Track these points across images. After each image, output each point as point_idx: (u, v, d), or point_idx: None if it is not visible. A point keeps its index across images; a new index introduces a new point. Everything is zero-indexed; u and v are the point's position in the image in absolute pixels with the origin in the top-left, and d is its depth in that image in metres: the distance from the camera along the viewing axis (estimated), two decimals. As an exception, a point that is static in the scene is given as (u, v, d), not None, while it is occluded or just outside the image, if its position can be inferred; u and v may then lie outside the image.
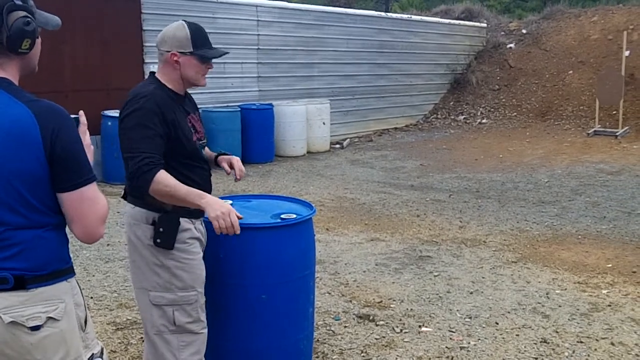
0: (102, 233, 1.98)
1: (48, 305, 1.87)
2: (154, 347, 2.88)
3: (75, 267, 2.02)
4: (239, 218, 2.67)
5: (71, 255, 2.02)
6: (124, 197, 2.86)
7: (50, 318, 1.87)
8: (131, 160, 2.62)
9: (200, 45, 2.84)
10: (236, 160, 3.12)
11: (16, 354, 1.85)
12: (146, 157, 2.61)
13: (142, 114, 2.68)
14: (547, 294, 4.84)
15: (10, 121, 1.82)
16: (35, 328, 1.84)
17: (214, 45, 3.00)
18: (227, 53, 3.06)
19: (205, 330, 2.94)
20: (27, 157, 1.82)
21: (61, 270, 1.94)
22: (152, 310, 2.83)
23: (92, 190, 1.92)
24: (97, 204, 1.93)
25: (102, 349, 2.06)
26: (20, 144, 1.81)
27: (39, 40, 1.97)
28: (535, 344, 4.01)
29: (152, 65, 2.69)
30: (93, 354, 2.00)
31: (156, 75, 2.87)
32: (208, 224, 2.82)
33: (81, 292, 2.03)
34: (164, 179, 2.60)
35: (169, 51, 2.81)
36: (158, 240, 2.75)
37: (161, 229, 2.75)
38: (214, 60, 2.95)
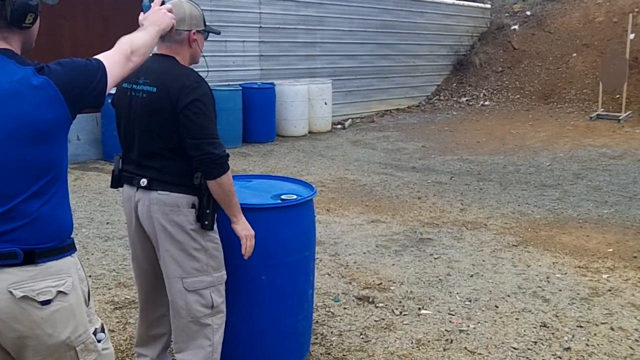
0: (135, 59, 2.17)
1: (57, 279, 1.88)
2: (188, 333, 2.90)
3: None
4: None
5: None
6: (149, 185, 2.76)
7: (60, 292, 1.87)
8: (214, 147, 2.67)
9: (205, 22, 2.89)
10: None
11: (26, 329, 1.85)
12: (224, 148, 2.71)
13: (210, 99, 2.73)
14: (547, 278, 4.83)
15: (18, 89, 1.80)
16: (46, 302, 1.85)
17: (214, 24, 3.04)
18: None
19: None
20: (42, 116, 1.82)
21: (66, 245, 1.94)
22: (187, 296, 2.84)
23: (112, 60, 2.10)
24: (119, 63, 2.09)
25: (102, 324, 2.07)
26: (40, 103, 1.82)
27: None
28: (535, 327, 4.00)
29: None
30: (96, 328, 2.01)
31: (170, 55, 2.80)
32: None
33: (82, 268, 2.03)
34: (230, 175, 2.75)
35: (188, 30, 2.79)
36: (206, 222, 2.79)
37: (207, 211, 2.78)
38: (215, 39, 2.96)
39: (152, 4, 2.48)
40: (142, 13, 2.48)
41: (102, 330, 2.04)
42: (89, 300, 2.00)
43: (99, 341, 1.99)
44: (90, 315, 2.00)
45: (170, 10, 2.51)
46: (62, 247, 1.92)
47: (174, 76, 2.72)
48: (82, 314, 1.94)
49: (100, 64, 1.96)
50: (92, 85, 1.93)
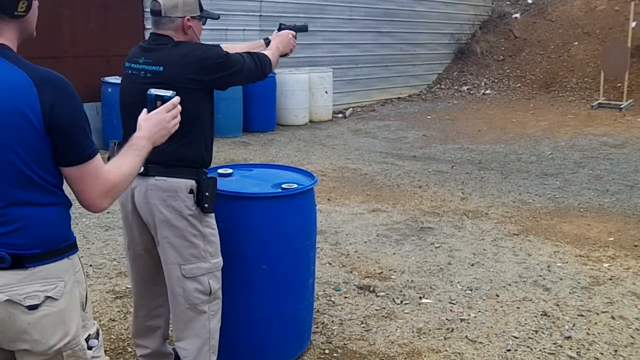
0: (105, 206, 1.91)
1: (47, 284, 1.81)
2: (185, 321, 2.91)
3: (74, 235, 1.98)
4: None
5: (71, 223, 1.97)
6: (145, 172, 2.74)
7: (48, 297, 1.81)
8: (242, 65, 2.87)
9: (202, 7, 2.88)
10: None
11: (14, 334, 1.80)
12: (249, 53, 2.96)
13: (211, 49, 2.83)
14: (548, 266, 4.83)
15: (8, 88, 1.73)
16: (33, 307, 1.79)
17: (214, 12, 3.05)
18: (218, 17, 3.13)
19: None
20: (25, 127, 1.74)
21: (62, 248, 1.87)
22: (184, 283, 2.84)
23: (92, 167, 1.84)
24: (97, 180, 1.85)
25: (98, 330, 2.00)
26: (18, 113, 1.73)
27: (35, 3, 1.87)
28: (536, 316, 4.01)
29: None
30: (90, 334, 1.94)
31: (165, 35, 2.82)
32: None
33: (83, 269, 1.96)
34: (270, 61, 3.04)
35: (182, 17, 2.78)
36: (206, 205, 2.78)
37: (207, 193, 2.77)
38: (216, 27, 2.98)
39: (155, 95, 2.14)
40: (145, 110, 2.13)
41: (97, 337, 1.97)
42: (86, 304, 1.94)
43: (90, 348, 1.93)
44: (85, 320, 1.93)
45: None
46: (56, 250, 1.85)
47: (179, 52, 2.74)
48: (74, 320, 1.88)
49: (90, 152, 1.88)
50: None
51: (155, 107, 2.10)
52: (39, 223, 1.81)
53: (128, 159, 1.98)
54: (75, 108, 1.81)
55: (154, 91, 2.12)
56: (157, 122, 2.08)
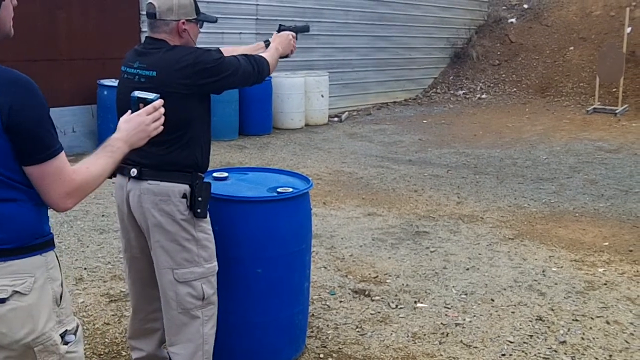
0: (68, 206, 1.89)
1: (16, 279, 1.82)
2: (178, 325, 2.89)
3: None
4: None
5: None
6: (139, 176, 2.74)
7: (16, 292, 1.82)
8: (236, 68, 2.82)
9: (199, 11, 2.87)
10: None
11: None
12: (245, 56, 2.93)
13: (205, 53, 2.80)
14: (543, 271, 4.84)
15: None
16: (0, 301, 1.80)
17: (211, 15, 3.03)
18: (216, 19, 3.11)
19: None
20: None
21: (35, 244, 1.87)
22: (177, 288, 2.82)
23: (53, 166, 1.82)
24: (59, 180, 1.84)
25: (77, 326, 1.99)
26: None
27: (6, 3, 1.84)
28: (531, 321, 4.01)
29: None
30: (66, 330, 1.94)
31: (161, 39, 2.80)
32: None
33: (59, 267, 1.96)
34: (269, 64, 3.01)
35: (177, 20, 2.77)
36: (198, 210, 2.76)
37: (200, 198, 2.76)
38: (212, 30, 2.97)
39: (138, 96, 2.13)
40: (129, 111, 2.13)
41: (74, 332, 1.96)
42: (60, 300, 1.93)
43: (66, 343, 1.92)
44: (60, 316, 1.93)
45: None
46: (28, 246, 1.85)
47: (172, 57, 2.73)
48: (44, 315, 1.87)
49: (53, 150, 1.85)
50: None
51: (138, 109, 2.10)
52: (10, 219, 1.82)
53: (100, 160, 1.98)
54: (35, 108, 1.79)
55: (137, 93, 2.11)
56: (136, 124, 2.07)
